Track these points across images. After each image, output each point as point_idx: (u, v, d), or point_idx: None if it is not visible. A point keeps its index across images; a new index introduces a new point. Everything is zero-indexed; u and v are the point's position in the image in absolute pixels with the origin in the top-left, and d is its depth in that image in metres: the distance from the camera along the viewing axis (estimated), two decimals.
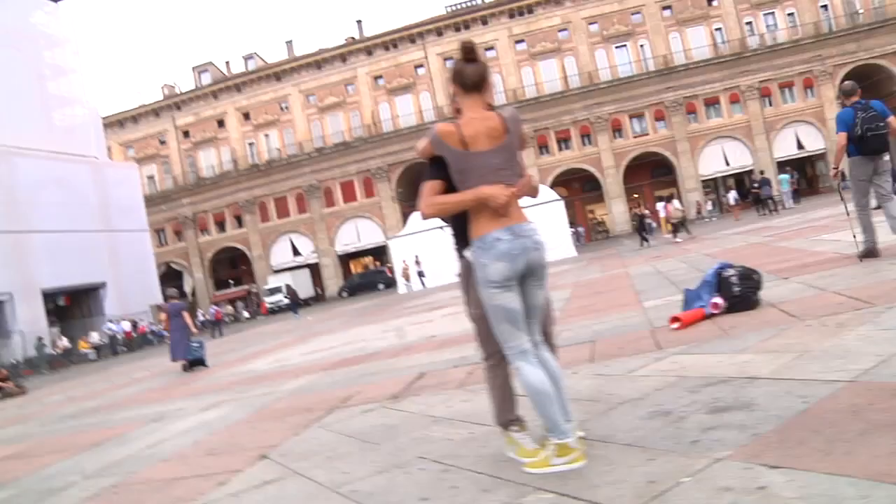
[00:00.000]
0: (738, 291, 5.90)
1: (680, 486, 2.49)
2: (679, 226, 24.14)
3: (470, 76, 3.09)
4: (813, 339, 4.29)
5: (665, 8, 49.86)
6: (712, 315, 5.91)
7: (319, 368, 8.97)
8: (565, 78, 49.82)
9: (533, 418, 3.58)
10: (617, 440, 3.19)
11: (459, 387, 5.42)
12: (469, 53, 3.11)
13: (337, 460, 3.98)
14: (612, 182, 49.18)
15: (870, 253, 7.61)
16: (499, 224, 2.97)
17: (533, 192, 3.15)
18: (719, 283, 6.03)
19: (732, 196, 36.22)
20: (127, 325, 34.84)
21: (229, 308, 53.12)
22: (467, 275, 3.29)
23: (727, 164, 48.86)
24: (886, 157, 7.82)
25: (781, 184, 31.42)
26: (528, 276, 3.05)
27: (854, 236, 7.86)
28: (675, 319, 5.89)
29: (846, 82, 8.22)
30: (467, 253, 3.17)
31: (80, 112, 42.39)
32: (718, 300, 5.94)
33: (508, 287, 2.98)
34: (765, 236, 15.05)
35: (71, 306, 38.67)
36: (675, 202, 26.11)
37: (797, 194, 33.24)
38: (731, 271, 6.04)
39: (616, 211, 49.47)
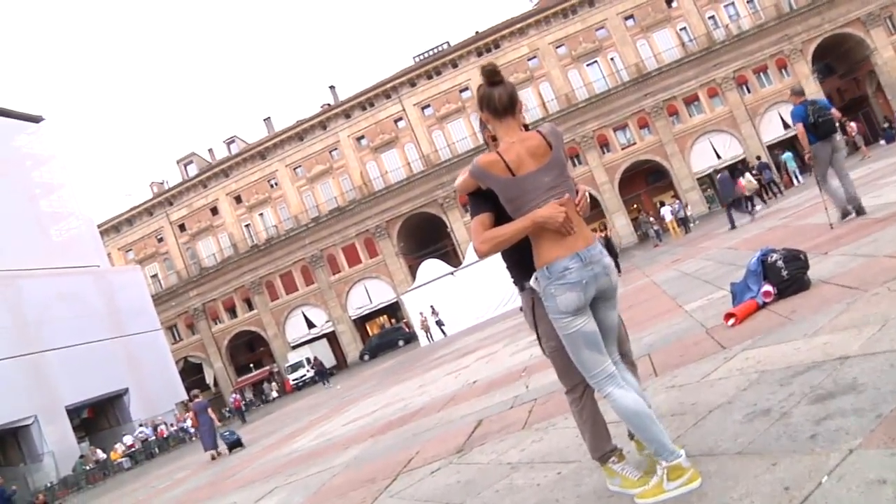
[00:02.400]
0: (787, 275, 5.70)
1: (822, 487, 2.26)
2: (753, 198, 24.11)
3: (500, 99, 2.93)
4: (889, 307, 4.08)
5: (627, 18, 50.45)
6: (766, 304, 5.71)
7: (367, 436, 8.70)
8: (544, 104, 50.13)
9: (625, 443, 3.37)
10: (724, 451, 2.96)
11: (525, 427, 5.18)
12: (493, 76, 2.95)
13: None
14: (610, 197, 49.16)
15: (846, 214, 9.18)
16: (565, 249, 2.78)
17: (586, 208, 2.98)
18: (765, 270, 5.83)
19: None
20: (148, 431, 34.27)
21: (253, 393, 52.86)
22: (534, 308, 3.10)
23: (718, 157, 48.89)
24: (839, 138, 9.62)
25: (787, 163, 31.34)
26: (599, 298, 2.87)
27: (826, 209, 9.42)
28: (729, 316, 5.67)
29: (794, 85, 10.82)
30: (532, 283, 2.96)
31: (76, 224, 42.61)
32: (769, 287, 5.74)
33: (581, 312, 2.81)
34: (781, 219, 14.86)
35: (96, 417, 38.34)
36: (747, 174, 25.68)
37: (799, 171, 33.14)
38: (775, 256, 5.84)
39: (619, 224, 49.26)
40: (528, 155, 2.84)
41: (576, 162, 49.41)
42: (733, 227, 19.08)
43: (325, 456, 8.46)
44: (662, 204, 38.05)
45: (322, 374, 34.63)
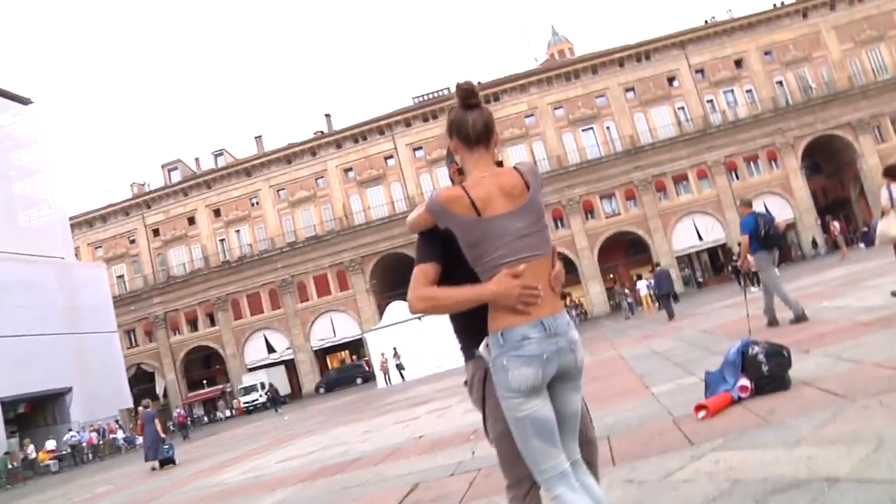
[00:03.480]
0: (768, 371, 5.25)
1: None
2: (755, 276, 24.22)
3: (474, 126, 2.43)
4: (883, 425, 3.62)
5: (628, 90, 50.99)
6: (741, 399, 5.24)
7: (297, 479, 8.07)
8: (534, 162, 50.19)
9: None
10: None
11: (461, 502, 4.63)
12: (469, 97, 2.45)
13: None
14: (588, 264, 49.02)
15: (800, 318, 9.49)
16: (527, 316, 2.28)
17: (561, 276, 2.44)
18: (744, 362, 5.38)
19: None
20: (81, 435, 32.89)
21: (204, 410, 51.60)
22: (482, 382, 2.55)
23: (700, 238, 49.15)
24: (777, 253, 10.31)
25: None
26: (560, 378, 2.34)
27: (747, 315, 9.41)
28: (700, 408, 5.18)
29: (744, 198, 11.51)
30: (482, 350, 2.41)
31: (47, 213, 41.70)
32: (746, 382, 5.27)
33: (536, 393, 2.29)
34: (758, 307, 14.50)
35: (33, 413, 36.90)
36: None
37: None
38: (756, 348, 5.40)
39: (593, 292, 49.18)
40: (500, 194, 2.34)
41: (559, 224, 49.38)
42: (671, 317, 20.06)
43: (247, 496, 7.82)
44: (639, 277, 37.83)
45: (275, 402, 33.90)
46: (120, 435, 34.41)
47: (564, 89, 51.58)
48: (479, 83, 54.75)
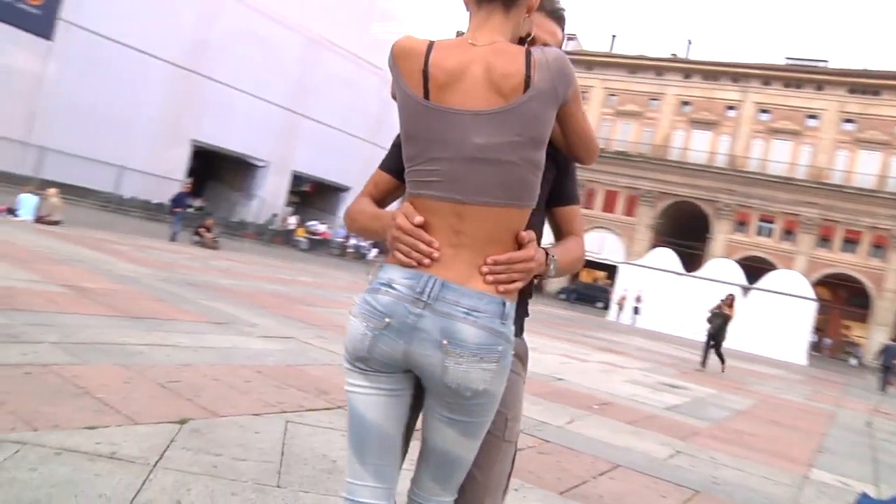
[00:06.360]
0: None
1: None
2: None
3: None
4: None
5: None
6: None
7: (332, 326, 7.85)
8: (883, 177, 43.64)
9: None
10: None
11: None
12: None
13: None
14: (887, 308, 42.46)
15: None
16: (409, 262, 1.48)
17: (516, 273, 1.49)
18: None
19: None
20: (322, 228, 36.31)
21: None
22: None
23: None
24: None
25: None
26: (428, 390, 1.49)
27: None
28: None
29: None
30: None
31: (395, 29, 44.18)
32: None
33: (359, 368, 1.50)
34: None
35: (312, 196, 41.05)
36: None
37: None
38: None
39: (876, 340, 42.91)
40: (480, 77, 1.43)
41: (875, 252, 43.08)
42: (883, 388, 20.76)
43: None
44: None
45: None
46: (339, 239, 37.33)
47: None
48: (865, 69, 47.74)
